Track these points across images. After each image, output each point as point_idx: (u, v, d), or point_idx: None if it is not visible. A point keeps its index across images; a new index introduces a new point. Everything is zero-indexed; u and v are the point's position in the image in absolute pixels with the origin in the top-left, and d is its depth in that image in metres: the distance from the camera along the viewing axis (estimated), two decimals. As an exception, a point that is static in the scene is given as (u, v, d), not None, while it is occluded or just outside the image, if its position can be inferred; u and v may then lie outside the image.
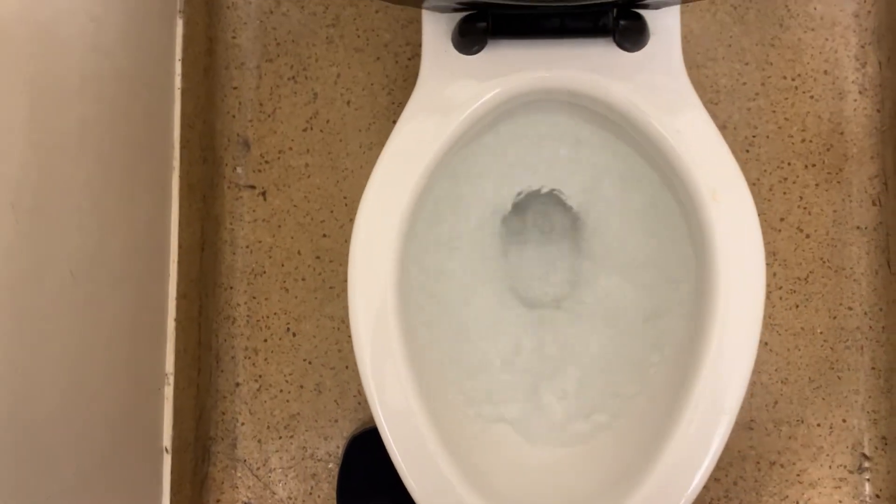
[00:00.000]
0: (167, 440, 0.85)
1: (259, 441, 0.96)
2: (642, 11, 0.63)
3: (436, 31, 0.66)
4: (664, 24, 0.65)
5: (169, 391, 0.85)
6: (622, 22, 0.63)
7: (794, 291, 0.94)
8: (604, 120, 0.69)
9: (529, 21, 0.64)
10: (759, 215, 0.93)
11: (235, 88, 0.98)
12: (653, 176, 0.71)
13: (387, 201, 0.63)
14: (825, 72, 0.95)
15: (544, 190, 0.77)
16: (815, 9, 0.96)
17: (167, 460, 0.85)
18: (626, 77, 0.64)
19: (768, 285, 0.94)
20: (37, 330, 0.63)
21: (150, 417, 0.83)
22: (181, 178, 0.87)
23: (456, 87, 0.64)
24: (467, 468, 0.62)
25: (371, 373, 0.61)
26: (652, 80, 0.64)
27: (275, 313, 0.97)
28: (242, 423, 0.96)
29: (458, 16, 0.64)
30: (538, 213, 0.81)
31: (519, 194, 0.77)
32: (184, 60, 0.87)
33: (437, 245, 0.75)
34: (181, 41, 0.87)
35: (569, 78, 0.64)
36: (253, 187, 0.97)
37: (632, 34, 0.63)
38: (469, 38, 0.64)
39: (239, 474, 0.96)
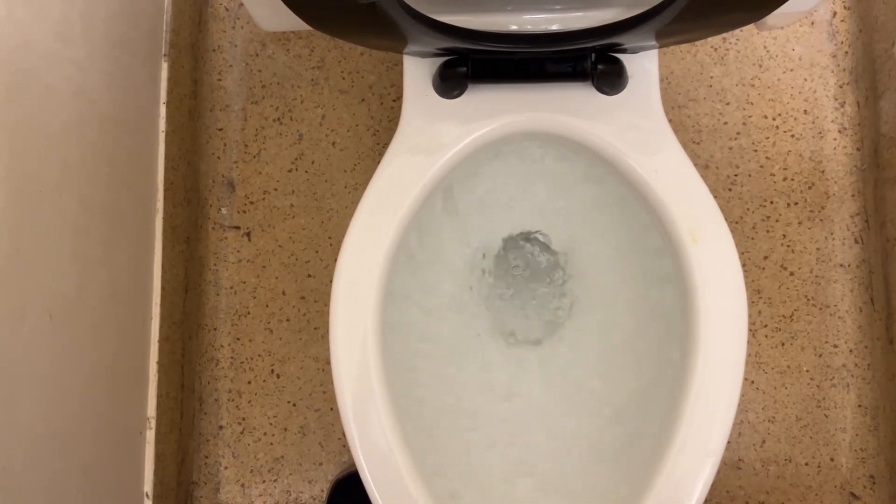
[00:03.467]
0: (148, 485, 0.84)
1: (242, 485, 0.94)
2: (620, 56, 0.64)
3: (417, 75, 0.67)
4: (642, 68, 0.66)
5: (150, 435, 0.84)
6: (600, 66, 0.63)
7: (780, 329, 0.94)
8: (589, 157, 0.70)
9: (509, 66, 0.64)
10: (742, 253, 0.95)
11: (220, 130, 0.98)
12: (641, 211, 0.71)
13: (369, 243, 0.63)
14: (805, 111, 0.96)
15: (530, 229, 0.77)
16: (794, 49, 0.97)
17: (148, 506, 0.84)
18: (605, 120, 0.65)
19: (753, 323, 0.94)
20: (12, 374, 0.62)
21: (130, 462, 0.82)
22: (165, 219, 0.86)
23: (437, 131, 0.65)
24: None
25: (352, 416, 0.61)
26: (630, 123, 0.65)
27: (259, 355, 0.96)
28: (226, 467, 0.95)
29: (439, 60, 0.65)
30: (525, 251, 0.81)
31: (504, 236, 0.77)
32: (168, 103, 0.87)
33: (420, 286, 0.74)
34: (166, 84, 0.87)
35: (548, 121, 0.65)
36: (238, 228, 0.97)
37: (610, 78, 0.64)
38: (450, 83, 0.64)
39: (222, 519, 0.94)
